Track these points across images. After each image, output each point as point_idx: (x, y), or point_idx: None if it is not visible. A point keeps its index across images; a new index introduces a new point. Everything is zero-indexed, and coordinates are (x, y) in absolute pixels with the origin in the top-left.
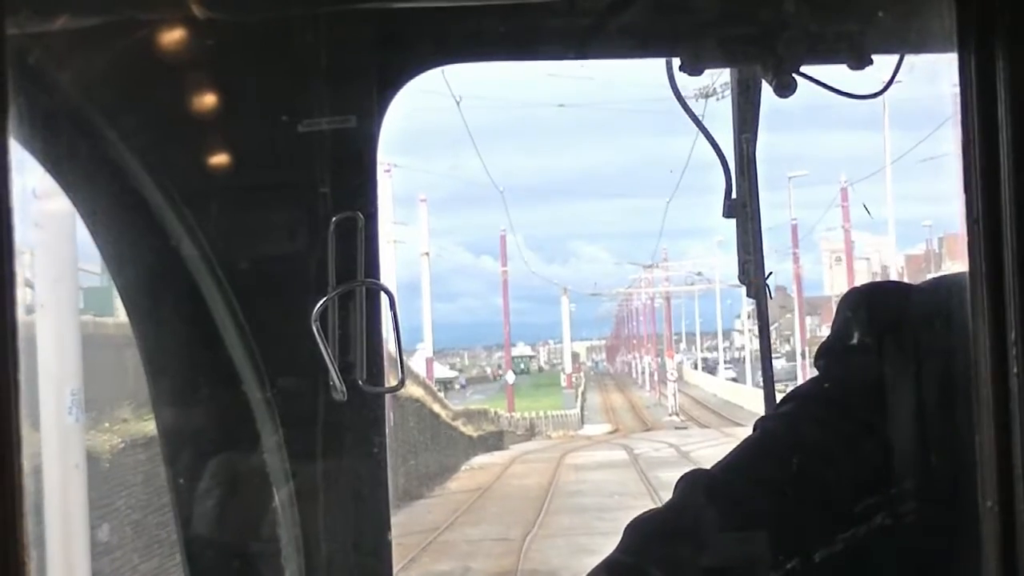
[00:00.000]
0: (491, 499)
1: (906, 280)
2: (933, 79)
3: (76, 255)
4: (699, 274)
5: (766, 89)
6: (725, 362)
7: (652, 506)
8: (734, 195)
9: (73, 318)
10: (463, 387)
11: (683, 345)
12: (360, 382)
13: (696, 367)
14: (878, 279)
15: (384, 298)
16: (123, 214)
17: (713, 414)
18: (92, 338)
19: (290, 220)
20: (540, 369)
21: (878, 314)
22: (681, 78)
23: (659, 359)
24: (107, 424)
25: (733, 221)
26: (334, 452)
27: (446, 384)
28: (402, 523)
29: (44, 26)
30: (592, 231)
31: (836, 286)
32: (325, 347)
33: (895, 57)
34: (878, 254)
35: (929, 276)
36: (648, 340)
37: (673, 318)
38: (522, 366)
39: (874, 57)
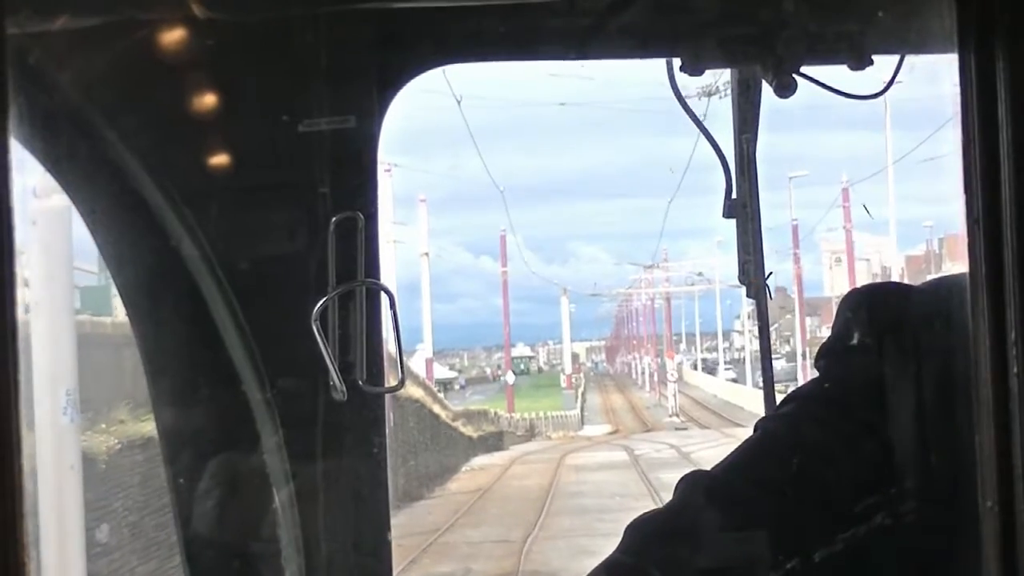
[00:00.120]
0: (491, 500)
1: (906, 281)
2: (933, 79)
3: (72, 253)
4: (699, 274)
5: (766, 89)
6: (725, 363)
7: (653, 507)
8: (734, 195)
9: (68, 317)
10: (463, 388)
11: (683, 346)
12: (360, 382)
13: (696, 368)
14: (878, 280)
15: (384, 298)
16: (123, 214)
17: (713, 415)
18: (89, 338)
19: (290, 220)
20: (540, 370)
21: (879, 315)
22: (682, 78)
23: (659, 360)
24: (104, 425)
25: (733, 221)
26: (334, 452)
27: (446, 385)
28: (402, 524)
29: (44, 26)
30: (592, 231)
31: (836, 287)
32: (325, 347)
33: (895, 57)
34: (879, 255)
35: (929, 277)
36: (648, 341)
37: (673, 319)
38: (522, 367)
39: (874, 57)
